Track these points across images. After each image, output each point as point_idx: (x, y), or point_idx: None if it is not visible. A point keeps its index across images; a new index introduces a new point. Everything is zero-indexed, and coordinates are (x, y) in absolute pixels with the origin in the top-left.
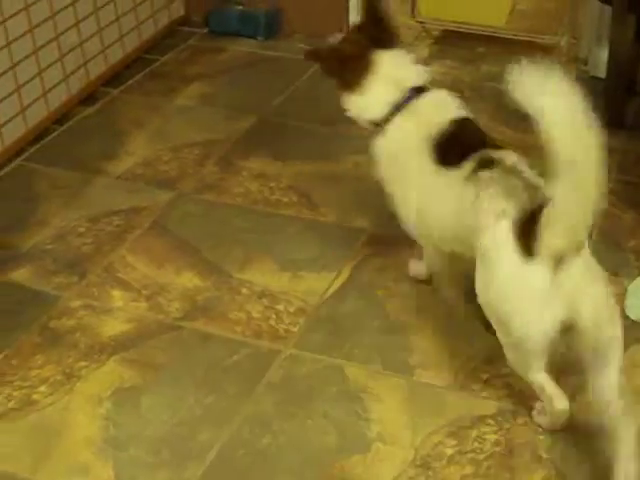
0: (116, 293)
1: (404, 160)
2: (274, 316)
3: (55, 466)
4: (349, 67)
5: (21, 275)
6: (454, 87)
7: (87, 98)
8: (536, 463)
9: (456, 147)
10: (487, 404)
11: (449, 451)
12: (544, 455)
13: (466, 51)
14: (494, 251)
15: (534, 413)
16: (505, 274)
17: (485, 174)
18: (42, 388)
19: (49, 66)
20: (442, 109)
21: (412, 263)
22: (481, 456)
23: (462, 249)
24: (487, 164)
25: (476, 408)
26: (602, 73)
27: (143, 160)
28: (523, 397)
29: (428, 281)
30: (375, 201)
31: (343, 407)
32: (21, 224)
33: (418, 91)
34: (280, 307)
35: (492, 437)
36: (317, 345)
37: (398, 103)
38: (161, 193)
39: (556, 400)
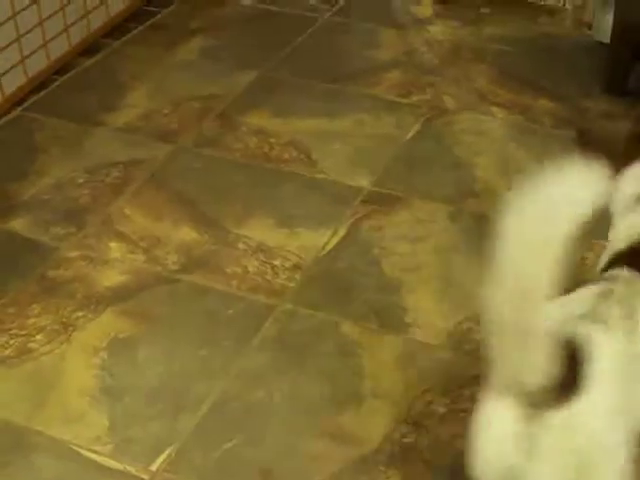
0: (113, 245)
1: None
2: (270, 271)
3: (50, 414)
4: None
5: (19, 224)
6: (456, 48)
7: (88, 50)
8: None
9: None
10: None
11: (441, 410)
12: None
13: (470, 11)
14: None
15: None
16: None
17: None
18: (39, 337)
19: (50, 16)
20: None
21: None
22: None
23: None
24: None
25: (470, 368)
26: (607, 39)
27: (143, 113)
28: None
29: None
30: (374, 160)
31: (337, 363)
32: (20, 174)
33: None
34: (276, 262)
35: None
36: (313, 301)
37: None
38: (160, 146)
39: None
